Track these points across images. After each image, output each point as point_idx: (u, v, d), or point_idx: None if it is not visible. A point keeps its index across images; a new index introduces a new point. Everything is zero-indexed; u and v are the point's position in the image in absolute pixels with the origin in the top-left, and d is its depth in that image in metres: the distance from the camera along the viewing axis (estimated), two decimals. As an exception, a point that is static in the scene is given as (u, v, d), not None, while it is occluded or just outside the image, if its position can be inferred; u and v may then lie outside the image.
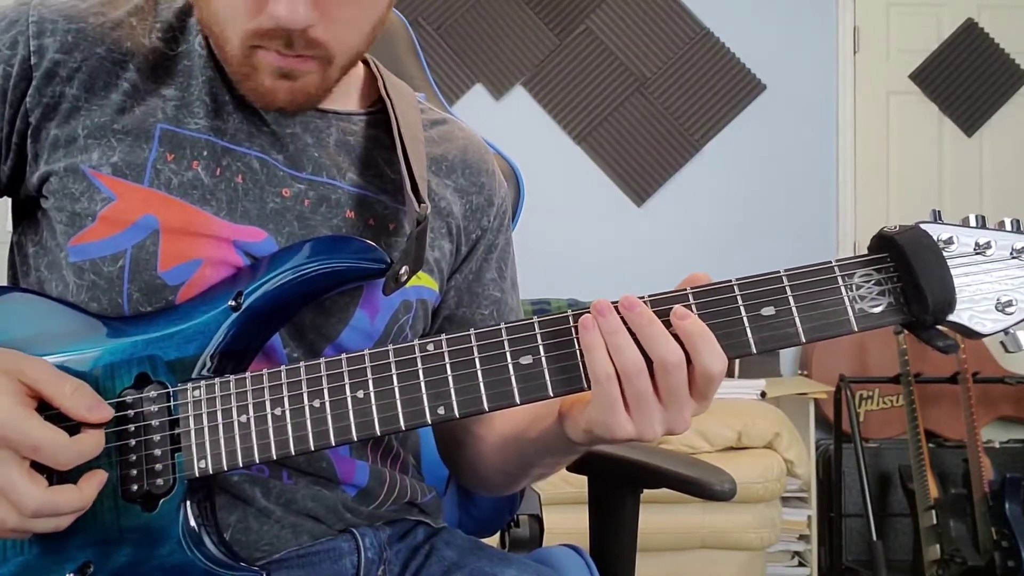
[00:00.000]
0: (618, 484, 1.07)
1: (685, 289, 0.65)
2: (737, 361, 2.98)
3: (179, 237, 0.74)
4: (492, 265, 0.92)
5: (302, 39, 0.71)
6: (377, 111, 0.86)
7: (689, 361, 0.63)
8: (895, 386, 2.80)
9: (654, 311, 0.64)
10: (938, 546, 2.48)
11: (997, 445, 2.96)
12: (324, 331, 0.78)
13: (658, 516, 2.20)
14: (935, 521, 2.50)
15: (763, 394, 2.59)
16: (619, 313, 0.63)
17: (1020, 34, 3.38)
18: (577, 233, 3.28)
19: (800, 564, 2.74)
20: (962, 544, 2.47)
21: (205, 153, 0.76)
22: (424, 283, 0.84)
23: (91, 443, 0.65)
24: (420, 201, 0.76)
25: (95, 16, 0.77)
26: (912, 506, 2.62)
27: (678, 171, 3.32)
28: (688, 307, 0.64)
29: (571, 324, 0.66)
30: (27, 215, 0.80)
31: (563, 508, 1.81)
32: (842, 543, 2.86)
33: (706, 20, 3.33)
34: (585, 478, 1.09)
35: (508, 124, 3.13)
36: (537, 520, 1.14)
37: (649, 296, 0.65)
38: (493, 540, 1.08)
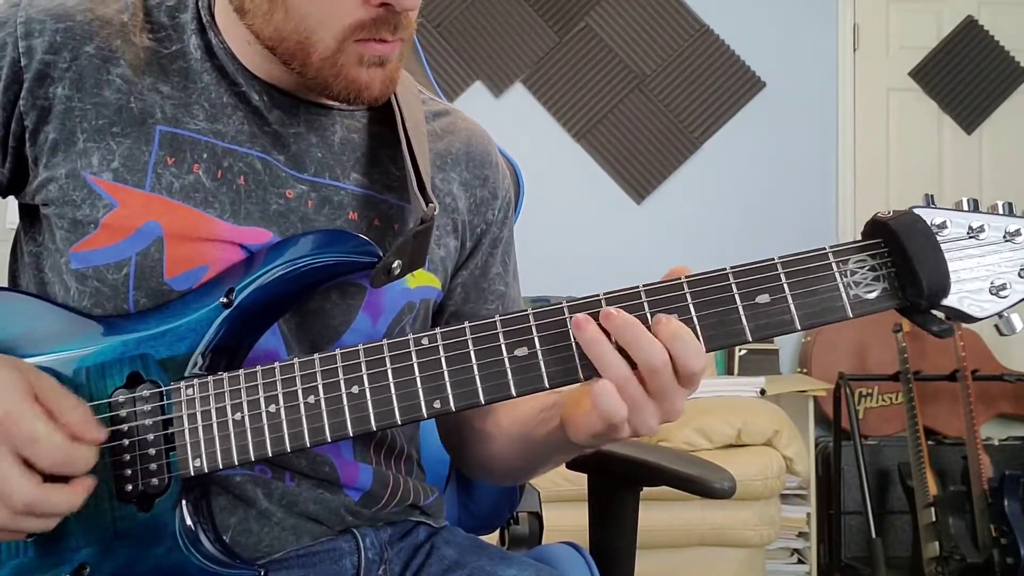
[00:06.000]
0: (618, 482, 1.07)
1: (680, 278, 0.65)
2: (737, 359, 2.97)
3: (183, 243, 0.73)
4: (497, 259, 0.92)
5: (404, 20, 0.72)
6: (380, 106, 0.85)
7: (673, 359, 0.63)
8: (894, 383, 2.80)
9: (649, 300, 0.64)
10: (937, 543, 2.48)
11: (996, 442, 2.96)
12: (326, 334, 0.78)
13: (657, 513, 2.20)
14: (934, 518, 2.50)
15: (763, 391, 2.59)
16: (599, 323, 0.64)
17: (1020, 31, 3.38)
18: (576, 230, 3.28)
19: (799, 561, 2.73)
20: (961, 541, 2.47)
21: (205, 155, 0.75)
22: (428, 283, 0.84)
23: (83, 455, 0.64)
24: (428, 201, 0.76)
25: (83, 14, 0.76)
26: (911, 503, 2.62)
27: (678, 168, 3.32)
28: (683, 295, 0.64)
29: (566, 315, 0.65)
30: (28, 216, 0.80)
31: (563, 506, 1.81)
32: (841, 540, 2.86)
33: (706, 17, 3.33)
34: (585, 476, 1.09)
35: (507, 121, 3.13)
36: (537, 517, 1.14)
37: (644, 286, 0.65)
38: (493, 537, 1.08)
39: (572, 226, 3.27)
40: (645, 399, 0.64)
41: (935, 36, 3.38)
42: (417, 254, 0.76)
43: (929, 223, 0.64)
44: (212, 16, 0.79)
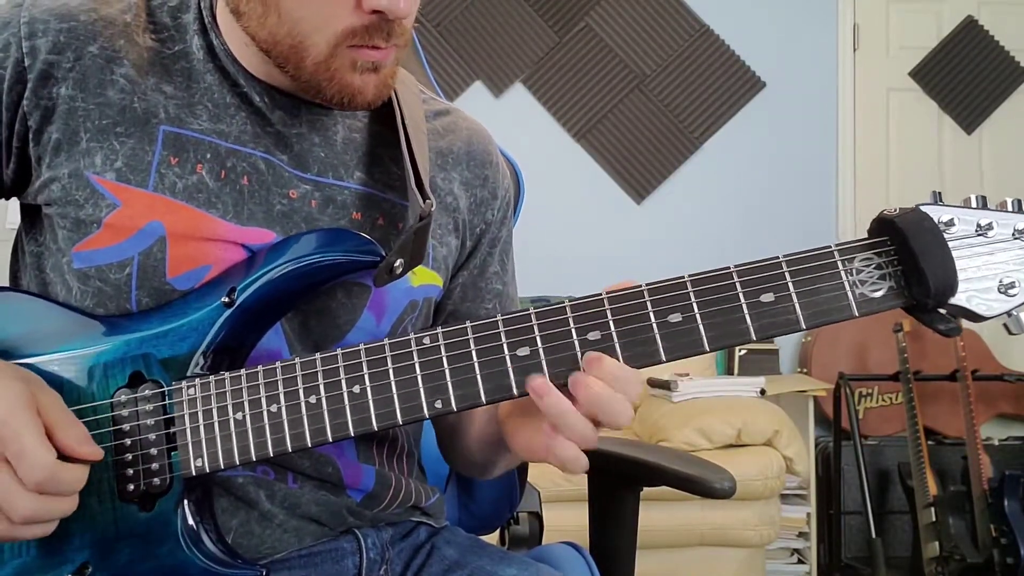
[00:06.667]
0: (618, 482, 1.07)
1: (683, 276, 0.65)
2: (737, 359, 2.97)
3: (186, 242, 0.73)
4: (495, 259, 0.92)
5: (399, 27, 0.72)
6: (381, 105, 0.85)
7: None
8: (894, 383, 2.80)
9: (652, 298, 0.64)
10: (937, 543, 2.48)
11: (996, 442, 2.96)
12: (331, 333, 0.78)
13: (657, 513, 2.20)
14: (934, 518, 2.50)
15: (763, 391, 2.59)
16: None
17: (1020, 31, 3.38)
18: (576, 230, 3.28)
19: (799, 561, 2.74)
20: (961, 541, 2.47)
21: (209, 155, 0.75)
22: (431, 281, 0.84)
23: (71, 475, 0.63)
24: (425, 197, 0.76)
25: (86, 14, 0.76)
26: (911, 503, 2.62)
27: (678, 168, 3.32)
28: (687, 295, 0.64)
29: (568, 315, 0.65)
30: (30, 216, 0.80)
31: (563, 506, 1.81)
32: (841, 540, 2.86)
33: (706, 17, 3.33)
34: (585, 476, 1.09)
35: (508, 121, 3.13)
36: (537, 517, 1.14)
37: (647, 285, 0.65)
38: (493, 537, 1.08)
39: (572, 226, 3.27)
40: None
41: (935, 36, 3.38)
42: (417, 251, 0.76)
43: (936, 221, 0.63)
44: (214, 17, 0.79)
